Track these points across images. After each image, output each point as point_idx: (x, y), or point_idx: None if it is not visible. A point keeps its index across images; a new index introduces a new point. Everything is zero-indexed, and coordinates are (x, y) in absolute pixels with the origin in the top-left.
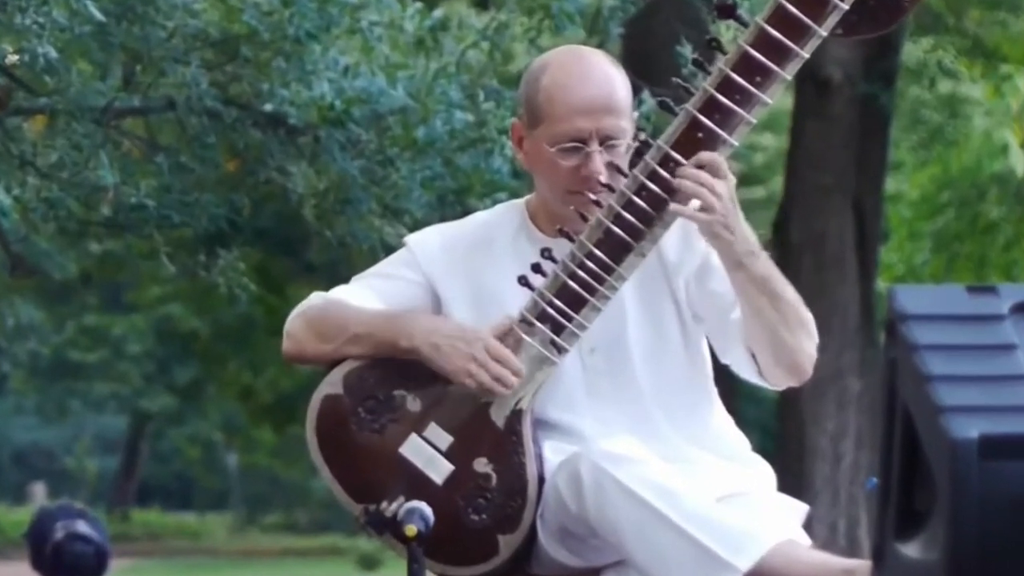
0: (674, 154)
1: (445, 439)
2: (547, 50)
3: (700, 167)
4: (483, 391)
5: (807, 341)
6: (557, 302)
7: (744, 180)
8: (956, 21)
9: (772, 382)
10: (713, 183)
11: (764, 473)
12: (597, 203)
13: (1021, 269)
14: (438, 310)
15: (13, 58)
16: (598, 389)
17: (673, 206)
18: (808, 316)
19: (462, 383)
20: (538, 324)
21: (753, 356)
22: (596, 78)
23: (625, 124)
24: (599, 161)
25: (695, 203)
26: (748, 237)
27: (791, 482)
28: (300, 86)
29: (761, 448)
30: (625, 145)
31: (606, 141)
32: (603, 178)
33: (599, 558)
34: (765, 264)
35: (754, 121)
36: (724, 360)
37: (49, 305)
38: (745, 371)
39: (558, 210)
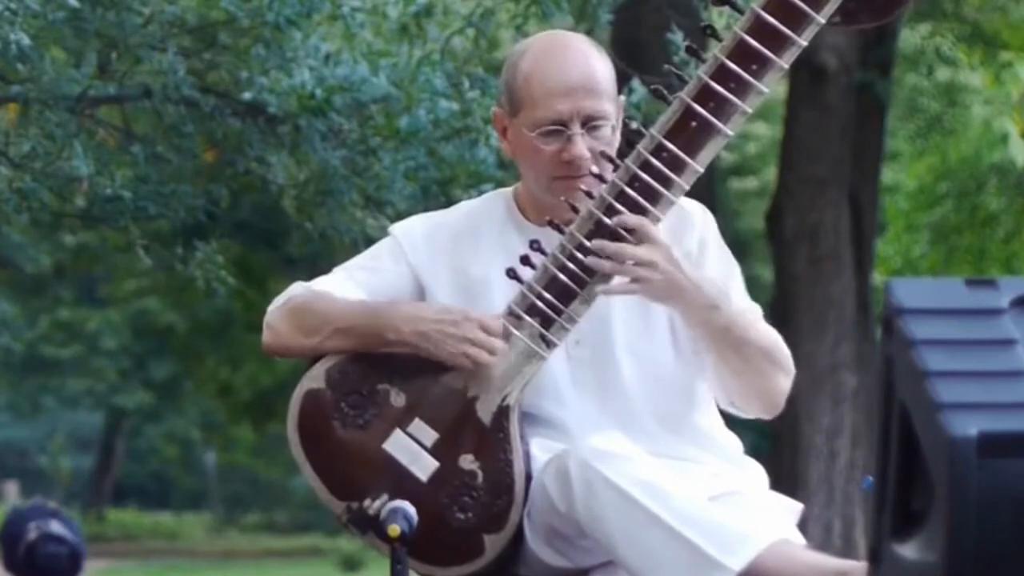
0: (668, 144)
1: (430, 435)
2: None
3: (622, 235)
4: (480, 368)
5: (779, 379)
6: (546, 295)
7: (737, 170)
8: (955, 7)
9: (743, 414)
10: (639, 253)
11: (756, 473)
12: (588, 194)
13: (1021, 262)
14: (422, 299)
15: None
16: (583, 381)
17: (600, 287)
18: (779, 351)
19: (457, 365)
20: (527, 317)
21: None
22: (574, 60)
23: (607, 106)
24: (581, 144)
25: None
26: (705, 292)
27: (785, 481)
28: (280, 74)
29: (755, 447)
30: (609, 127)
31: (588, 123)
32: (587, 161)
33: (587, 559)
34: (727, 315)
35: (750, 110)
36: (706, 375)
37: (22, 299)
38: (717, 396)
39: (545, 199)
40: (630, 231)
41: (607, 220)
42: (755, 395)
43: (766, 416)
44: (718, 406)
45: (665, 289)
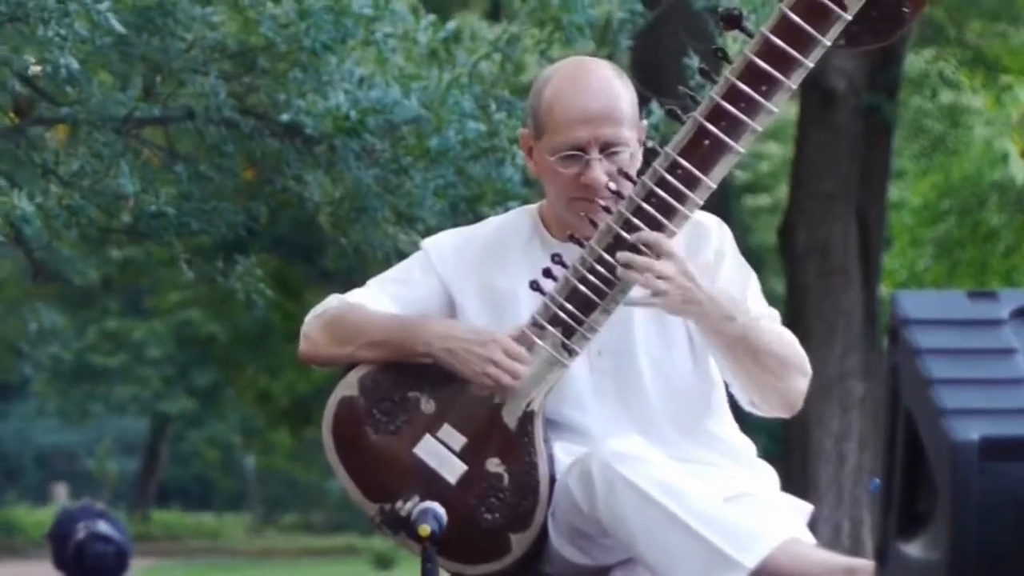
0: (682, 161)
1: (459, 440)
2: (558, 61)
3: (642, 250)
4: (500, 390)
5: (795, 380)
6: (568, 306)
7: (750, 188)
8: (957, 32)
9: (763, 413)
10: (656, 266)
11: (768, 475)
12: (607, 209)
13: (1021, 275)
14: (452, 312)
15: (36, 69)
16: (604, 390)
17: (622, 299)
18: (795, 354)
19: (479, 383)
20: (549, 327)
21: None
22: (595, 88)
23: (626, 132)
24: (598, 169)
25: (644, 290)
26: (720, 303)
27: (796, 483)
28: (316, 96)
29: (767, 451)
30: (628, 153)
31: (606, 149)
32: (607, 186)
33: (609, 557)
34: (742, 324)
35: (760, 129)
36: (724, 377)
37: (71, 310)
38: (738, 397)
39: (566, 217)
40: (648, 246)
41: (625, 235)
42: (773, 396)
43: (785, 415)
44: (739, 408)
45: (682, 300)
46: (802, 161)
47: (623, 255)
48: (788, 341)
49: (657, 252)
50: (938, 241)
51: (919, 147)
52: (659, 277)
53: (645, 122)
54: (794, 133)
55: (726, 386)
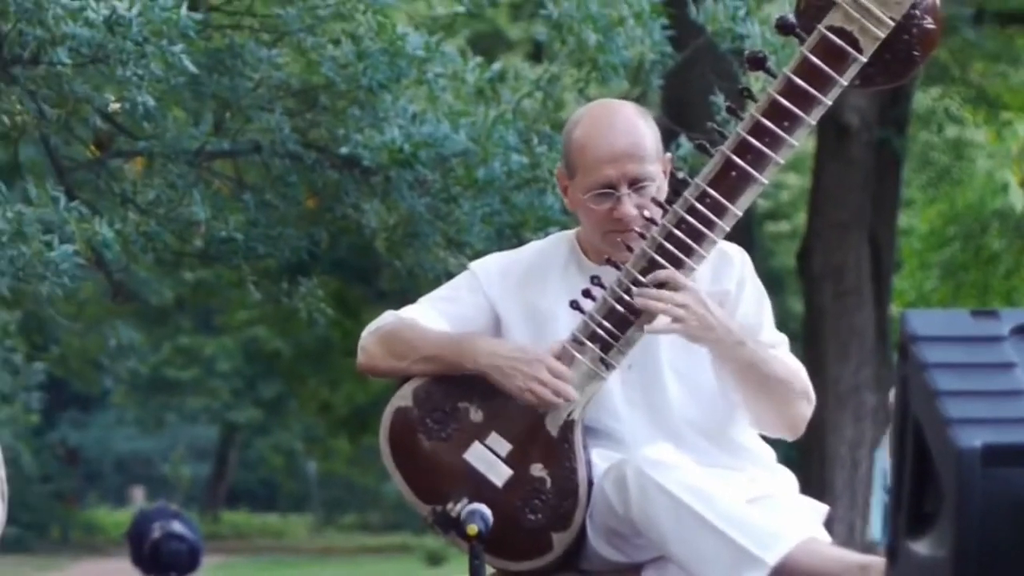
0: (711, 191)
1: (505, 446)
2: (595, 99)
3: (660, 286)
4: (543, 406)
5: (799, 406)
6: (606, 323)
7: (771, 215)
8: (961, 73)
9: (768, 434)
10: (674, 298)
11: (787, 479)
12: (641, 235)
13: (1020, 295)
14: (497, 329)
15: (115, 106)
16: (634, 401)
17: (647, 326)
18: (800, 381)
19: (524, 400)
20: (588, 343)
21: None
22: (620, 128)
23: (651, 167)
24: (628, 204)
25: (665, 319)
26: (732, 330)
27: (813, 486)
28: (373, 131)
29: (786, 456)
30: (654, 187)
31: (634, 184)
32: (636, 220)
33: (642, 555)
34: (751, 351)
35: (782, 161)
36: (734, 400)
37: (147, 328)
38: (747, 418)
39: (601, 247)
40: (663, 285)
41: (658, 258)
42: (777, 419)
43: (788, 437)
44: None
45: (698, 327)
46: (819, 191)
47: (640, 291)
48: (794, 369)
49: (672, 287)
50: (944, 264)
51: (926, 178)
52: (676, 306)
53: (669, 154)
54: (812, 165)
55: None
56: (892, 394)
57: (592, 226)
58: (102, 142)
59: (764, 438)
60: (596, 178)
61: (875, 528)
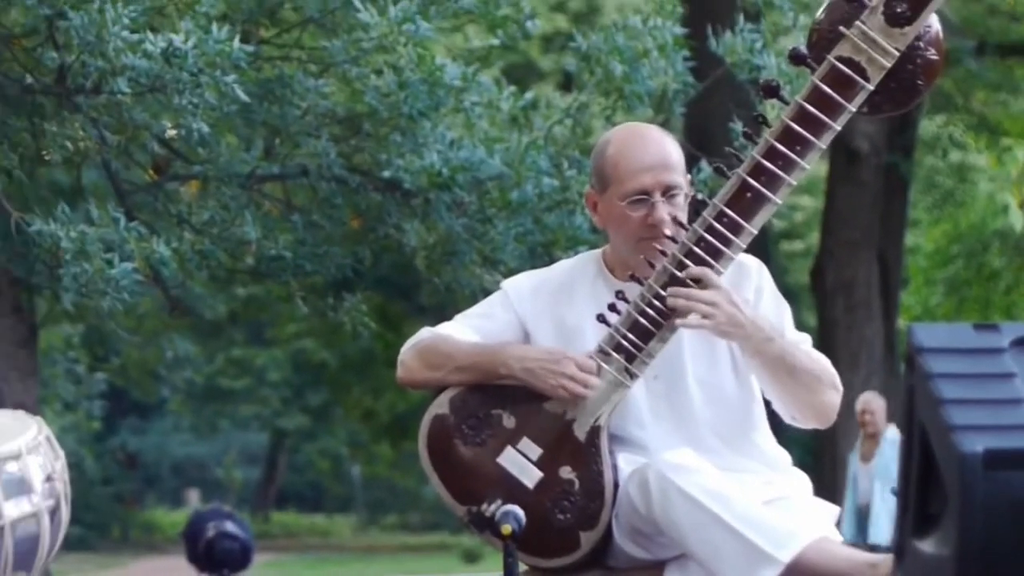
0: (728, 211)
1: (536, 451)
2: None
3: (693, 282)
4: (576, 400)
5: (830, 394)
6: (630, 335)
7: (786, 235)
8: (964, 101)
9: (801, 425)
10: (704, 295)
11: (801, 481)
12: (663, 252)
13: (1020, 310)
14: (526, 342)
15: (172, 132)
16: (659, 409)
17: (678, 321)
18: (826, 371)
19: (556, 396)
20: (614, 354)
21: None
22: (651, 143)
23: (680, 179)
24: (663, 209)
25: (696, 316)
26: (761, 327)
27: (825, 488)
28: (413, 156)
29: (800, 460)
30: (682, 195)
31: (667, 192)
32: (668, 225)
33: (664, 552)
34: (780, 345)
35: (795, 183)
36: (767, 396)
37: (202, 340)
38: (780, 412)
39: (629, 258)
40: (696, 280)
41: (679, 273)
42: (809, 409)
43: (821, 426)
44: (775, 422)
45: (727, 324)
46: (831, 212)
47: (672, 289)
48: (820, 360)
49: (704, 285)
50: (948, 281)
51: (932, 200)
52: (706, 303)
53: (688, 176)
54: (824, 187)
55: (766, 403)
56: (858, 402)
57: (627, 234)
58: (159, 166)
59: (780, 443)
60: (632, 186)
61: (846, 531)
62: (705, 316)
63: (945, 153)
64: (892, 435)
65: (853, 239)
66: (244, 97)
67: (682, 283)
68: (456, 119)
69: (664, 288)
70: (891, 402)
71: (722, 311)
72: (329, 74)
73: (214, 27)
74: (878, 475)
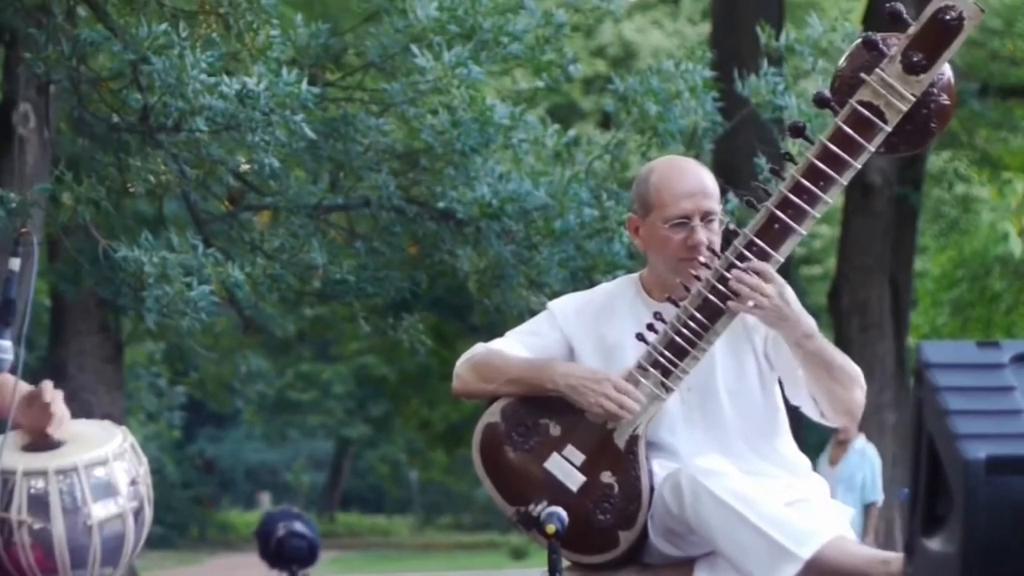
0: (757, 240)
1: (579, 457)
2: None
3: (754, 273)
4: (611, 418)
5: (857, 392)
6: (666, 353)
7: (806, 260)
8: (968, 138)
9: (831, 422)
10: (761, 286)
11: (820, 485)
12: (697, 277)
13: (1019, 328)
14: (570, 359)
15: (245, 167)
16: (692, 419)
17: (731, 304)
18: (856, 371)
19: (594, 412)
20: (651, 370)
21: (815, 401)
22: (691, 172)
23: (716, 206)
24: (702, 233)
25: (749, 302)
26: (803, 322)
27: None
28: (465, 188)
29: (819, 466)
30: (718, 221)
31: (705, 217)
32: (705, 251)
33: (695, 550)
34: (819, 342)
35: (818, 216)
36: (793, 403)
37: (273, 356)
38: (810, 413)
39: (668, 279)
40: (757, 272)
41: (712, 297)
42: (839, 404)
43: (849, 423)
44: (797, 431)
45: (775, 315)
46: (847, 239)
47: (737, 273)
48: (850, 362)
49: (764, 277)
50: (953, 302)
51: (938, 228)
52: (761, 293)
53: (720, 207)
54: (840, 217)
55: (788, 412)
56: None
57: (668, 255)
58: (234, 198)
59: (801, 450)
60: (674, 210)
61: None
62: (757, 305)
63: (951, 186)
64: (860, 444)
65: (867, 264)
66: (311, 135)
67: (713, 307)
68: (505, 155)
69: (698, 311)
70: (901, 413)
71: (773, 303)
72: (389, 113)
73: (284, 71)
74: (841, 480)
